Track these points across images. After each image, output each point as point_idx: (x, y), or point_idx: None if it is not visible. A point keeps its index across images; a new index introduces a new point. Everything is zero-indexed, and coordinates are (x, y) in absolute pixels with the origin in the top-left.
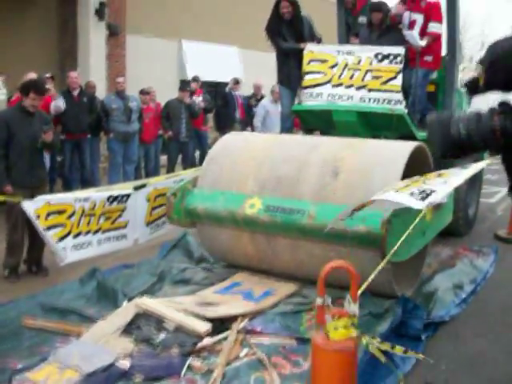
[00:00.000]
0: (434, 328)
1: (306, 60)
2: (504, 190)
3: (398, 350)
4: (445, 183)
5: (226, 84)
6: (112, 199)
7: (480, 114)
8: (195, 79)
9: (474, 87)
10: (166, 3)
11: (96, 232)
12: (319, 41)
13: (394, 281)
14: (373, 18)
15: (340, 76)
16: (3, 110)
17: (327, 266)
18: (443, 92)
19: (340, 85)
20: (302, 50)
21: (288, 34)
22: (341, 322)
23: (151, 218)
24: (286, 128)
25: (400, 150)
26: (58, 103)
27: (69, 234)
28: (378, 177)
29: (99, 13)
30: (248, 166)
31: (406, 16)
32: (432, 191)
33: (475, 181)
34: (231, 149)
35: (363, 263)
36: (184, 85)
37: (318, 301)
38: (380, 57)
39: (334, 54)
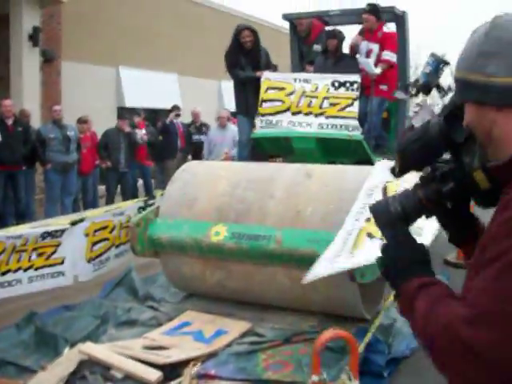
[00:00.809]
0: (396, 363)
1: (263, 88)
2: None
3: None
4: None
5: (164, 111)
6: (46, 235)
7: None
8: (137, 112)
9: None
10: (102, 30)
11: (27, 269)
12: (275, 69)
13: (361, 303)
14: (328, 45)
15: (298, 104)
16: None
17: (322, 337)
18: (396, 119)
19: (299, 112)
20: (258, 79)
21: (246, 62)
22: None
23: (92, 254)
24: (244, 155)
25: (362, 174)
26: None
27: None
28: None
29: (33, 38)
30: (211, 193)
31: (364, 46)
32: None
33: None
34: (193, 176)
35: (330, 287)
36: (123, 113)
37: (314, 378)
38: (337, 84)
39: (291, 82)
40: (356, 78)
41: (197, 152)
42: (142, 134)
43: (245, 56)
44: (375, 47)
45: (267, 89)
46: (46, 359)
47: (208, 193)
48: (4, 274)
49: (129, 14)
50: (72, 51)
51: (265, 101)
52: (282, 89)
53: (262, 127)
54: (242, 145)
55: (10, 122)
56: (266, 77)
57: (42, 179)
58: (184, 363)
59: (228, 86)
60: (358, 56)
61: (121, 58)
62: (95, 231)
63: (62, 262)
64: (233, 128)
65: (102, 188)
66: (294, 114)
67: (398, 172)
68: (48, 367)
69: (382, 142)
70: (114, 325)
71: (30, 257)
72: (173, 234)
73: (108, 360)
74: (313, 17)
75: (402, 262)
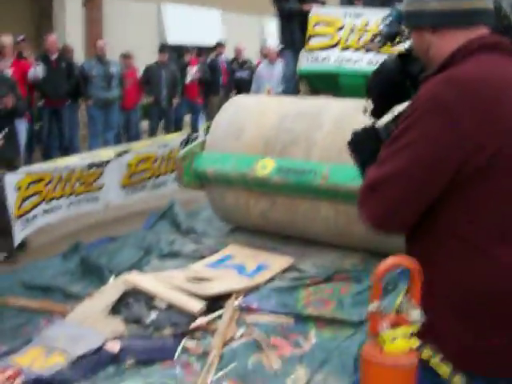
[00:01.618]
0: None
1: (311, 23)
2: None
3: None
4: None
5: (207, 48)
6: (92, 165)
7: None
8: (189, 50)
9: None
10: None
11: (69, 196)
12: (323, 3)
13: None
14: None
15: (347, 39)
16: None
17: (384, 264)
18: None
19: (347, 48)
20: (305, 13)
21: None
22: (399, 331)
23: (128, 182)
24: (290, 90)
25: None
26: (38, 71)
27: (43, 200)
28: None
29: None
30: (259, 127)
31: None
32: None
33: None
34: (241, 110)
35: None
36: (163, 47)
37: (373, 306)
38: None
39: (340, 17)
40: None
41: (240, 88)
42: (193, 71)
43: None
44: None
45: (315, 24)
46: (92, 287)
47: (255, 125)
48: (49, 201)
49: None
50: None
51: (312, 36)
52: (331, 24)
53: (308, 63)
54: (287, 80)
55: (54, 57)
56: (316, 12)
57: (84, 115)
58: (226, 296)
59: (271, 23)
60: None
61: None
62: (138, 162)
63: (100, 189)
64: (280, 64)
65: (144, 123)
66: (342, 49)
67: (369, 110)
68: (94, 294)
69: None
70: (157, 256)
71: (73, 185)
72: (219, 167)
73: (152, 289)
74: None
75: (357, 147)
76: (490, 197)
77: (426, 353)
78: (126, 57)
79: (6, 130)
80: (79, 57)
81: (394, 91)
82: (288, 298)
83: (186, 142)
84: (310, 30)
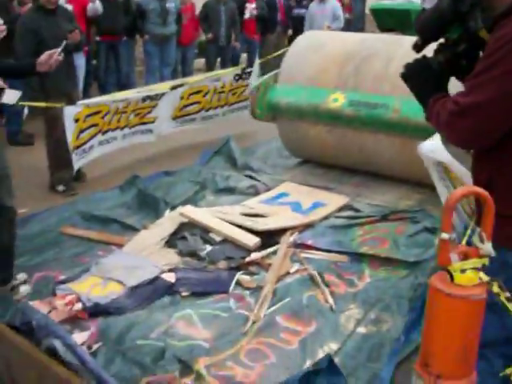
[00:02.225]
0: None
1: None
2: None
3: None
4: None
5: None
6: (147, 98)
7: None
8: None
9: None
10: None
11: (124, 127)
12: None
13: None
14: None
15: None
16: (24, 16)
17: (456, 193)
18: None
19: None
20: None
21: None
22: (469, 264)
23: (180, 114)
24: (359, 28)
25: None
26: (96, 6)
27: (99, 131)
28: None
29: None
30: (331, 62)
31: None
32: None
33: None
34: (312, 45)
35: None
36: None
37: (444, 235)
38: None
39: None
40: None
41: (297, 26)
42: (252, 8)
43: None
44: None
45: None
46: (148, 219)
47: (328, 61)
48: (105, 133)
49: None
50: None
51: None
52: None
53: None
54: (357, 17)
55: None
56: None
57: (141, 51)
58: (281, 232)
59: None
60: None
61: None
62: (190, 95)
63: (154, 121)
64: (332, 1)
65: (200, 61)
66: None
67: (419, 45)
68: (150, 226)
69: None
70: (212, 191)
71: (128, 117)
72: (291, 100)
73: (208, 223)
74: None
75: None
76: None
77: (495, 288)
78: None
79: (64, 43)
80: None
81: (443, 25)
82: (343, 236)
83: (240, 76)
84: None
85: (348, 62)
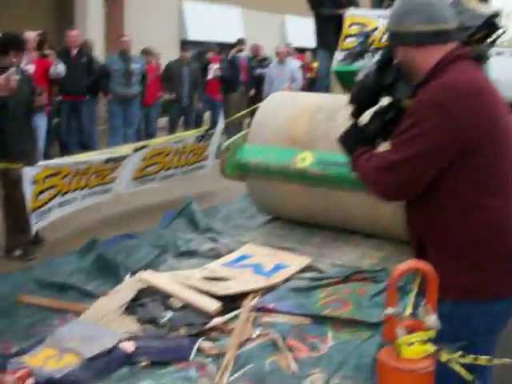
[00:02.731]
0: None
1: (346, 23)
2: None
3: (483, 360)
4: None
5: (228, 45)
6: (109, 160)
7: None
8: (211, 47)
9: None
10: None
11: (83, 188)
12: (357, 6)
13: None
14: None
15: (381, 39)
16: None
17: (398, 268)
18: None
19: (380, 48)
20: (340, 16)
21: (327, 1)
22: (416, 337)
23: (140, 174)
24: (324, 88)
25: None
26: (59, 69)
27: (59, 193)
28: None
29: None
30: (298, 122)
31: None
32: None
33: None
34: (280, 105)
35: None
36: (185, 45)
37: (389, 311)
38: None
39: (374, 18)
40: None
41: (259, 86)
42: (215, 68)
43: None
44: None
45: (350, 24)
46: (107, 285)
47: (296, 121)
48: (64, 194)
49: None
50: None
51: (347, 36)
52: (365, 25)
53: (343, 62)
54: (322, 77)
55: (74, 52)
56: (351, 13)
57: (105, 110)
58: (243, 295)
59: (291, 21)
60: None
61: None
62: (152, 156)
63: (113, 181)
64: (292, 63)
65: (164, 120)
66: (377, 49)
67: (355, 114)
68: (109, 292)
69: None
70: (173, 255)
71: (89, 178)
72: (260, 159)
73: (168, 289)
74: None
75: (346, 141)
76: (478, 166)
77: (444, 357)
78: (146, 53)
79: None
80: (100, 52)
81: (371, 97)
82: (306, 299)
83: (202, 137)
84: (345, 30)
85: (316, 121)
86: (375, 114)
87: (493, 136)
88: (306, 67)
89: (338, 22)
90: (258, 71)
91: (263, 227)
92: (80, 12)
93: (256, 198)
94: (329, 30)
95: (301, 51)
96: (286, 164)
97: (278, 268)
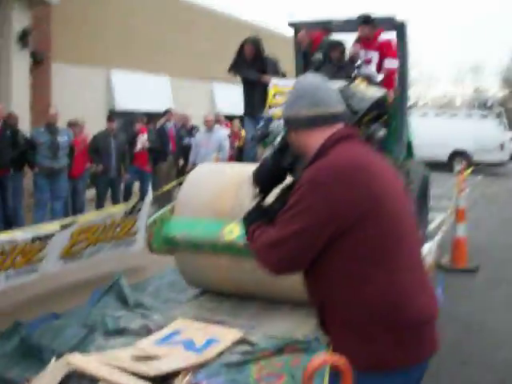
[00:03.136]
0: None
1: (271, 93)
2: (440, 217)
3: None
4: None
5: (157, 114)
6: (36, 239)
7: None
8: (139, 118)
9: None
10: (93, 32)
11: (7, 269)
12: (283, 75)
13: None
14: (331, 56)
15: None
16: None
17: (313, 363)
18: (396, 122)
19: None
20: (264, 84)
21: (251, 67)
22: None
23: (68, 252)
24: (251, 157)
25: None
26: None
27: None
28: None
29: (22, 40)
30: (225, 193)
31: (362, 55)
32: None
33: (425, 201)
34: (206, 177)
35: None
36: (112, 116)
37: None
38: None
39: None
40: None
41: (188, 155)
42: (143, 139)
43: (249, 67)
44: (374, 55)
45: (275, 94)
46: (31, 371)
47: (222, 193)
48: None
49: (120, 17)
50: (62, 53)
51: (272, 106)
52: None
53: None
54: (248, 146)
55: None
56: (275, 83)
57: (31, 183)
58: (175, 374)
59: (220, 88)
60: (361, 67)
61: (112, 60)
62: (80, 233)
63: (41, 261)
64: (220, 131)
65: (92, 191)
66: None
67: (258, 194)
68: (33, 380)
69: (383, 146)
70: (102, 334)
71: (14, 259)
72: (187, 233)
73: (96, 372)
74: (316, 25)
75: (249, 221)
76: (363, 239)
77: None
78: (73, 125)
79: None
80: (26, 124)
81: (272, 179)
82: (238, 374)
83: (131, 212)
84: (270, 99)
85: (242, 194)
86: (279, 193)
87: (377, 210)
88: (234, 135)
89: (264, 89)
90: (187, 141)
91: (194, 301)
92: (4, 83)
93: (185, 271)
94: (255, 97)
95: (229, 119)
96: (214, 237)
97: (209, 343)
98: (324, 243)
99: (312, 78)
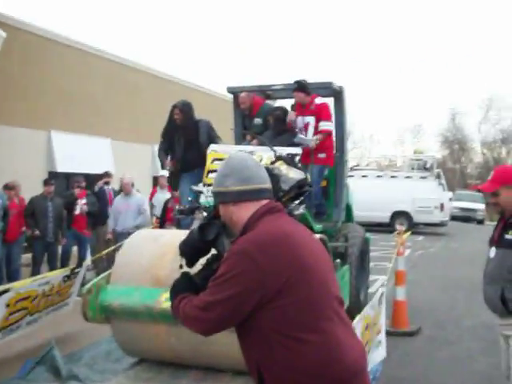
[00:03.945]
0: None
1: (210, 159)
2: (382, 279)
3: None
4: None
5: (97, 176)
6: None
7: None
8: (78, 182)
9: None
10: (33, 92)
11: None
12: (219, 141)
13: None
14: (269, 120)
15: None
16: None
17: None
18: (334, 186)
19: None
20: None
21: (183, 137)
22: None
23: (6, 324)
24: (186, 225)
25: None
26: None
27: None
28: None
29: None
30: (162, 260)
31: (300, 121)
32: None
33: (365, 264)
34: (144, 243)
35: None
36: (49, 179)
37: None
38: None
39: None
40: (298, 150)
41: None
42: (82, 203)
43: (181, 131)
44: (311, 120)
45: (214, 160)
46: None
47: (159, 259)
48: None
49: (62, 78)
50: (2, 114)
51: (211, 171)
52: None
53: (208, 197)
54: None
55: None
56: (213, 148)
57: None
58: None
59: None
60: (297, 132)
61: (52, 121)
62: (17, 301)
63: None
64: (138, 196)
65: (26, 256)
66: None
67: (186, 265)
68: None
69: (322, 210)
70: None
71: None
72: (124, 301)
73: None
74: (255, 90)
75: (176, 289)
76: (291, 304)
77: None
78: (9, 188)
79: None
80: None
81: (198, 250)
82: None
83: (68, 277)
84: (208, 165)
85: (180, 259)
86: (204, 264)
87: (301, 276)
88: (175, 199)
89: (197, 150)
90: None
91: (130, 371)
92: None
93: (121, 340)
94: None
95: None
96: (151, 305)
97: None
98: (252, 308)
99: (242, 156)
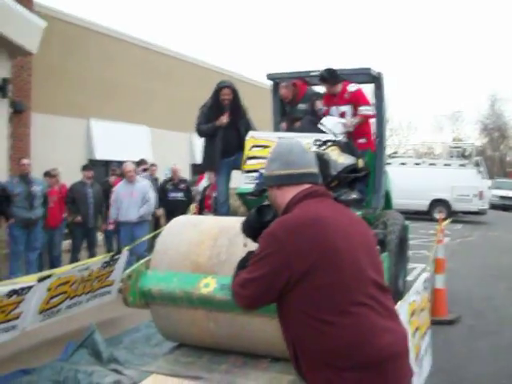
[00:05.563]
0: None
1: (248, 145)
2: (420, 267)
3: None
4: None
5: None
6: (12, 293)
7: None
8: (114, 170)
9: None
10: (73, 81)
11: None
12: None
13: None
14: (316, 106)
15: None
16: None
17: None
18: (373, 173)
19: None
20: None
21: (203, 118)
22: None
23: (46, 306)
24: (223, 213)
25: None
26: None
27: None
28: None
29: (2, 89)
30: (201, 246)
31: (334, 110)
32: None
33: (404, 251)
34: (183, 230)
35: None
36: (88, 165)
37: None
38: (319, 143)
39: (275, 141)
40: (339, 136)
41: (172, 210)
42: None
43: (223, 114)
44: (347, 109)
45: (252, 146)
46: None
47: (198, 245)
48: None
49: (100, 66)
50: (42, 103)
51: (250, 158)
52: (267, 146)
53: (247, 183)
54: (221, 203)
55: None
56: (251, 135)
57: (7, 234)
58: None
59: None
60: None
61: (91, 110)
62: (57, 286)
63: (18, 317)
64: (142, 183)
65: (66, 242)
66: None
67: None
68: None
69: (362, 196)
70: None
71: None
72: (163, 286)
73: None
74: (295, 77)
75: (238, 267)
76: (318, 287)
77: None
78: (50, 175)
79: None
80: (4, 173)
81: (257, 231)
82: None
83: (108, 263)
84: (247, 151)
85: (219, 247)
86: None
87: (328, 260)
88: (212, 186)
89: (237, 134)
90: (173, 195)
91: (169, 355)
92: None
93: (161, 325)
94: (216, 150)
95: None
96: (190, 290)
97: None
98: (282, 287)
99: (288, 142)
